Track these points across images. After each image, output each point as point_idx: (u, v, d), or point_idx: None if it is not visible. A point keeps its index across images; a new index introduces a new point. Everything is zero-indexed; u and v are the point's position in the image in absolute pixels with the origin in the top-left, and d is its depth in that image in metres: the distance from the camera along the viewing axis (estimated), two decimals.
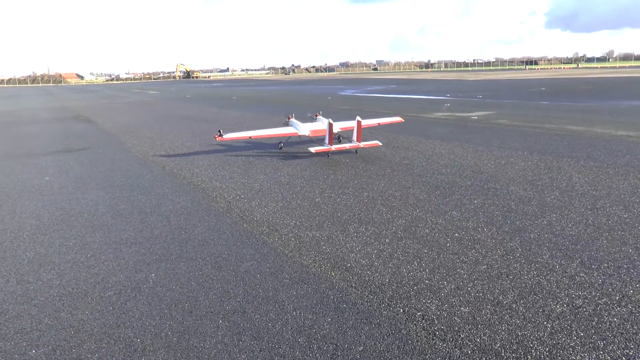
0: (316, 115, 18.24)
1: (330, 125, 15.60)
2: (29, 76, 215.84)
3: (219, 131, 16.17)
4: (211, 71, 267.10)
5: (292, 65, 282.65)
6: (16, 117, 37.62)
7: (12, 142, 22.58)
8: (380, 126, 19.79)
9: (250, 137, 16.40)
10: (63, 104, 53.81)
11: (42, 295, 6.70)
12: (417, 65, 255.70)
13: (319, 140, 16.57)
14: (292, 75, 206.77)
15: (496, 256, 7.38)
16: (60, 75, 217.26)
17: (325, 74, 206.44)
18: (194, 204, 10.88)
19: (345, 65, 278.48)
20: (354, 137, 15.83)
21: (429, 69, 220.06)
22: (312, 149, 15.49)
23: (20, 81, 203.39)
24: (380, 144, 16.28)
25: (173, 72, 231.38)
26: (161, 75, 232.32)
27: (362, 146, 15.67)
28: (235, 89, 77.59)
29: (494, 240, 7.96)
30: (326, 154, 15.84)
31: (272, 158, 15.69)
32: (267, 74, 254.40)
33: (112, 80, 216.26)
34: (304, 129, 17.01)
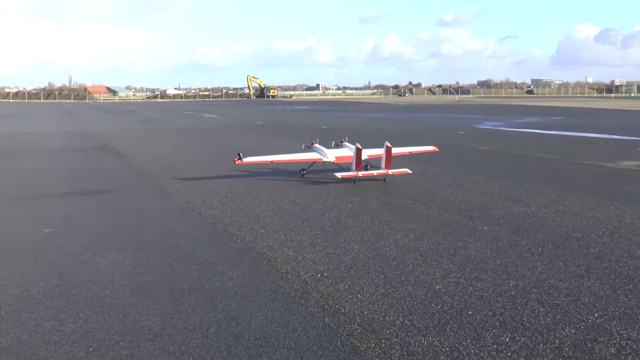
0: (342, 142, 23.54)
1: (359, 151, 21.03)
2: (44, 88, 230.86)
3: (239, 154, 21.06)
4: (294, 88, 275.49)
5: (410, 83, 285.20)
6: (19, 144, 40.23)
7: (8, 179, 23.91)
8: (411, 155, 24.90)
9: (271, 161, 22.12)
10: (85, 127, 57.12)
11: None
12: (593, 88, 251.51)
13: (345, 168, 21.87)
14: (408, 98, 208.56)
15: None
16: (86, 88, 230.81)
17: (456, 97, 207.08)
18: (253, 281, 10.86)
19: (485, 85, 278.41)
20: (383, 164, 21.37)
21: (612, 95, 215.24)
22: (339, 175, 21.07)
23: (31, 95, 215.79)
24: (410, 171, 21.69)
25: (242, 89, 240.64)
26: (223, 91, 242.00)
27: (390, 173, 21.32)
28: (326, 115, 79.05)
29: None
30: (352, 180, 21.29)
31: (371, 219, 15.66)
32: (373, 94, 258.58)
33: (155, 97, 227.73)
34: (330, 155, 22.64)
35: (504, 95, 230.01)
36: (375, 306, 9.64)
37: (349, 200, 18.49)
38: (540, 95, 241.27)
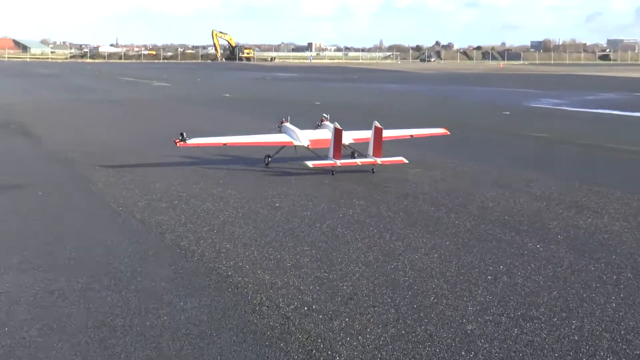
0: (322, 121, 24.61)
1: (338, 133, 21.85)
2: None
3: (182, 134, 22.06)
4: (277, 48, 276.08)
5: (437, 44, 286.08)
6: None
7: None
8: (414, 138, 26.36)
9: (224, 144, 23.36)
10: None
11: None
12: None
13: (322, 156, 22.48)
14: (434, 64, 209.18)
15: None
16: None
17: (501, 64, 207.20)
18: (214, 315, 10.81)
19: (542, 47, 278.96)
20: (370, 151, 22.43)
21: None
22: (310, 163, 21.83)
23: None
24: (407, 161, 22.84)
25: (205, 48, 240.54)
26: (179, 50, 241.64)
27: (379, 163, 22.21)
28: (321, 87, 78.83)
29: None
30: (330, 170, 21.93)
31: (379, 232, 15.63)
32: (386, 58, 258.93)
33: (83, 56, 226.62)
34: (302, 137, 23.35)
35: (567, 62, 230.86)
36: (383, 353, 9.60)
37: (348, 204, 18.55)
38: (619, 62, 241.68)
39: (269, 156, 23.61)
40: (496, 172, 23.21)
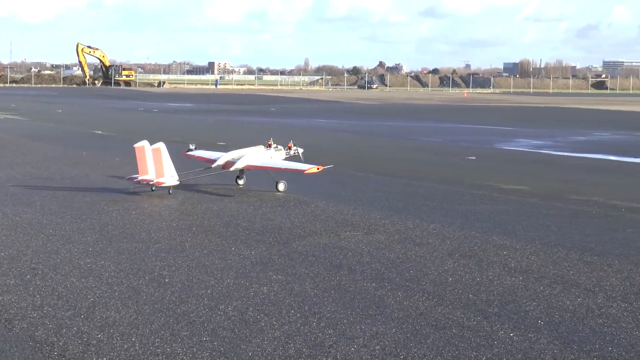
0: (289, 147, 32.86)
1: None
2: None
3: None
4: (167, 69, 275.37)
5: (381, 65, 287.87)
6: None
7: None
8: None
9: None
10: None
11: None
12: None
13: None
14: (376, 92, 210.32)
15: None
16: None
17: (465, 93, 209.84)
18: None
19: (518, 71, 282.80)
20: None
21: None
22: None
23: None
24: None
25: (69, 67, 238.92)
26: (33, 71, 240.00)
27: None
28: (227, 120, 78.48)
29: None
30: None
31: (302, 315, 15.67)
32: (314, 83, 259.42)
33: None
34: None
35: (552, 91, 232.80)
36: None
37: (263, 278, 18.49)
38: (618, 91, 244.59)
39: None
40: (458, 237, 23.32)
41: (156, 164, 29.73)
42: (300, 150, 32.89)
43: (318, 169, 30.61)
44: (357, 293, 17.35)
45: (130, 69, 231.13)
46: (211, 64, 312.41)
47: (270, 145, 32.41)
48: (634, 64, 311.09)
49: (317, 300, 16.75)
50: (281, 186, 31.25)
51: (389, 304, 16.54)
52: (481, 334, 14.79)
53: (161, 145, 30.11)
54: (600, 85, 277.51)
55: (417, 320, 15.50)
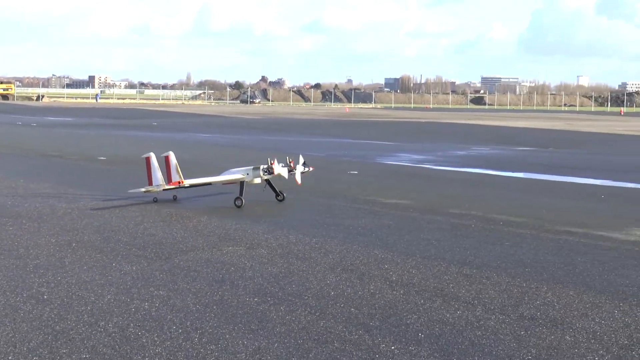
0: (291, 162, 32.94)
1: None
2: None
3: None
4: (47, 83, 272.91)
5: (264, 80, 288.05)
6: None
7: None
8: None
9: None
10: None
11: None
12: (589, 96, 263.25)
13: None
14: (258, 106, 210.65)
15: None
16: None
17: (347, 108, 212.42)
18: None
19: (399, 86, 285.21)
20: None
21: (622, 109, 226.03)
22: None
23: None
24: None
25: None
26: None
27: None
28: (109, 134, 78.06)
29: None
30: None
31: None
32: (196, 97, 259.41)
33: None
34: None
35: (432, 106, 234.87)
36: None
37: (144, 294, 18.39)
38: (496, 107, 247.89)
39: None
40: (340, 251, 23.43)
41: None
42: (300, 169, 32.81)
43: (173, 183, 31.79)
44: (240, 308, 17.40)
45: (9, 82, 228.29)
46: (91, 78, 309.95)
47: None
48: (510, 80, 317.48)
49: (199, 316, 16.78)
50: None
51: (271, 318, 16.59)
52: (363, 348, 14.89)
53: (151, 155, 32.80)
54: (478, 100, 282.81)
55: (299, 334, 15.57)
